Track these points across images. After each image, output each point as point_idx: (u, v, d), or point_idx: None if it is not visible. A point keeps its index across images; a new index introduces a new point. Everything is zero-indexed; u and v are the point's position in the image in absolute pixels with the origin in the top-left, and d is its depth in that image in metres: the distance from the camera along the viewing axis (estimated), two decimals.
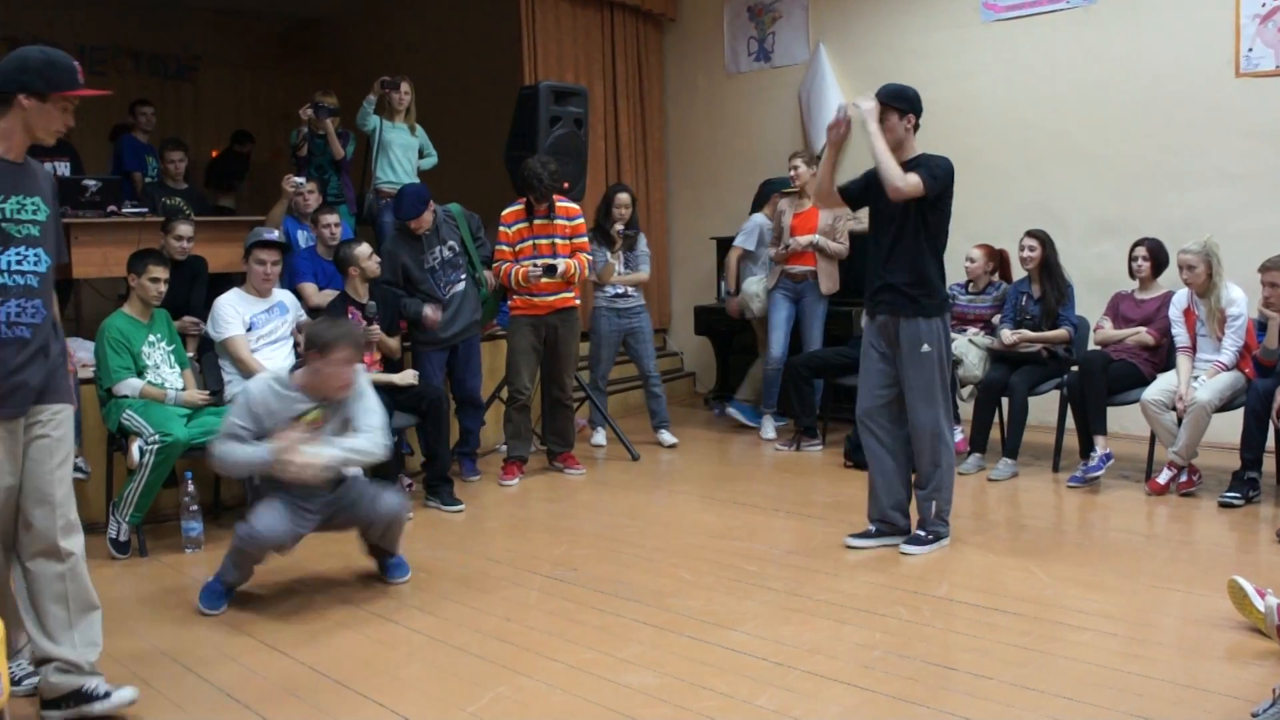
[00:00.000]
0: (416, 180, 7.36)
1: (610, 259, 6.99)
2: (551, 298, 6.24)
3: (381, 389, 5.54)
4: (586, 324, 7.23)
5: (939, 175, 4.46)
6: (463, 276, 6.18)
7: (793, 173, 7.15)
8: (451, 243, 6.16)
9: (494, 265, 6.29)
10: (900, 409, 4.71)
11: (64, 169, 7.48)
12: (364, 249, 5.74)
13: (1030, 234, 6.26)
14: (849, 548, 4.77)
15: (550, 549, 4.92)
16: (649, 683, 3.36)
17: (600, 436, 7.36)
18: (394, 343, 5.96)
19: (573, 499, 5.98)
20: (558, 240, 6.22)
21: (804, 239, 7.07)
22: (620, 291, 7.07)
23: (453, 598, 4.25)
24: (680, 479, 6.43)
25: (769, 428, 7.42)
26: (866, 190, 4.70)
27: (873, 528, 4.85)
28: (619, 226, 6.99)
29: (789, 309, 7.23)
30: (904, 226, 4.56)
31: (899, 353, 4.65)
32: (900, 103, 4.51)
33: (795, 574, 4.42)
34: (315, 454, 3.99)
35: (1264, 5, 6.41)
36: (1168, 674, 3.30)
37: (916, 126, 4.58)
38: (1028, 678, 3.29)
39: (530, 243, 6.20)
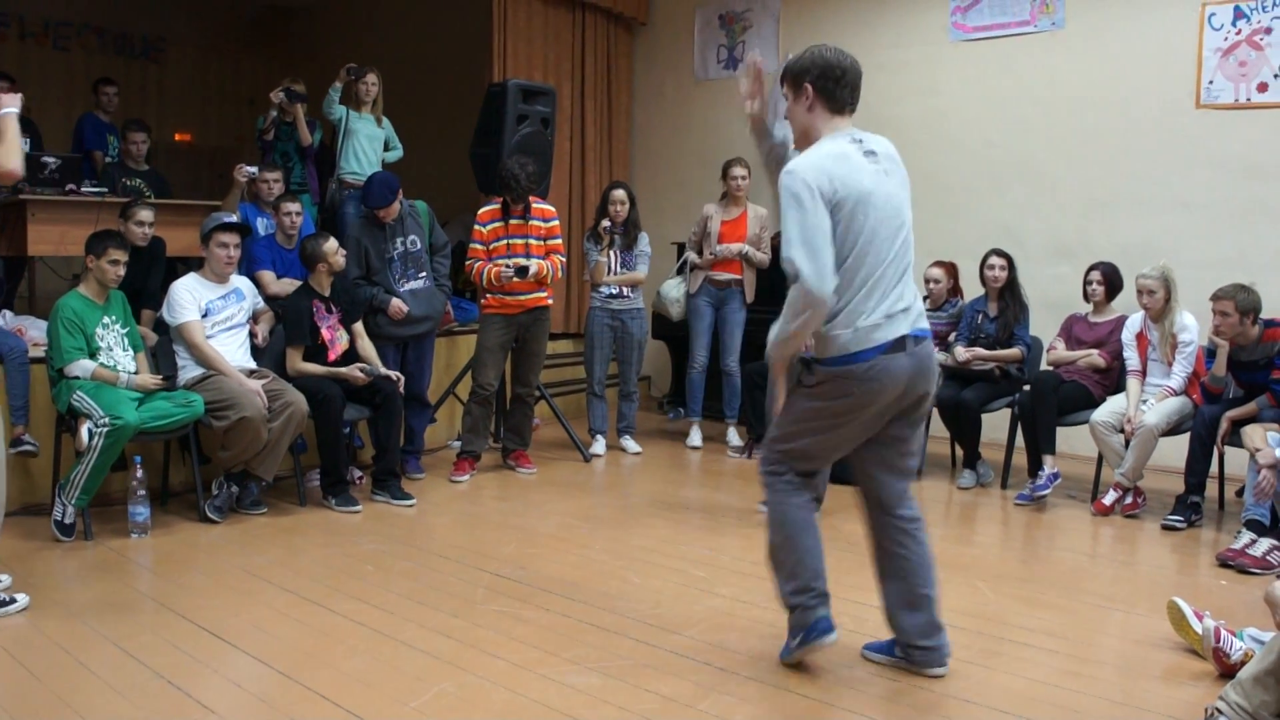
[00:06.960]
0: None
1: (600, 258, 6.94)
2: (524, 297, 6.23)
3: (334, 380, 5.55)
4: (584, 326, 7.19)
5: None
6: (422, 274, 6.16)
7: (734, 182, 7.10)
8: (414, 237, 6.14)
9: (467, 263, 6.27)
10: None
11: (24, 145, 7.36)
12: (332, 244, 5.71)
13: (997, 253, 6.32)
14: None
15: (499, 547, 4.91)
16: (593, 683, 3.36)
17: (600, 446, 7.10)
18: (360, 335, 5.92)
19: (524, 498, 5.97)
20: (532, 240, 6.21)
21: (734, 247, 7.08)
22: (615, 292, 6.95)
23: (399, 592, 4.23)
24: (632, 482, 6.45)
25: (696, 436, 7.44)
26: None
27: None
28: (606, 223, 6.88)
29: (710, 316, 7.23)
30: None
31: None
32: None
33: (742, 580, 4.44)
34: None
35: (1225, 40, 6.52)
36: (1105, 692, 3.35)
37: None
38: (968, 690, 3.33)
39: (505, 242, 6.19)
